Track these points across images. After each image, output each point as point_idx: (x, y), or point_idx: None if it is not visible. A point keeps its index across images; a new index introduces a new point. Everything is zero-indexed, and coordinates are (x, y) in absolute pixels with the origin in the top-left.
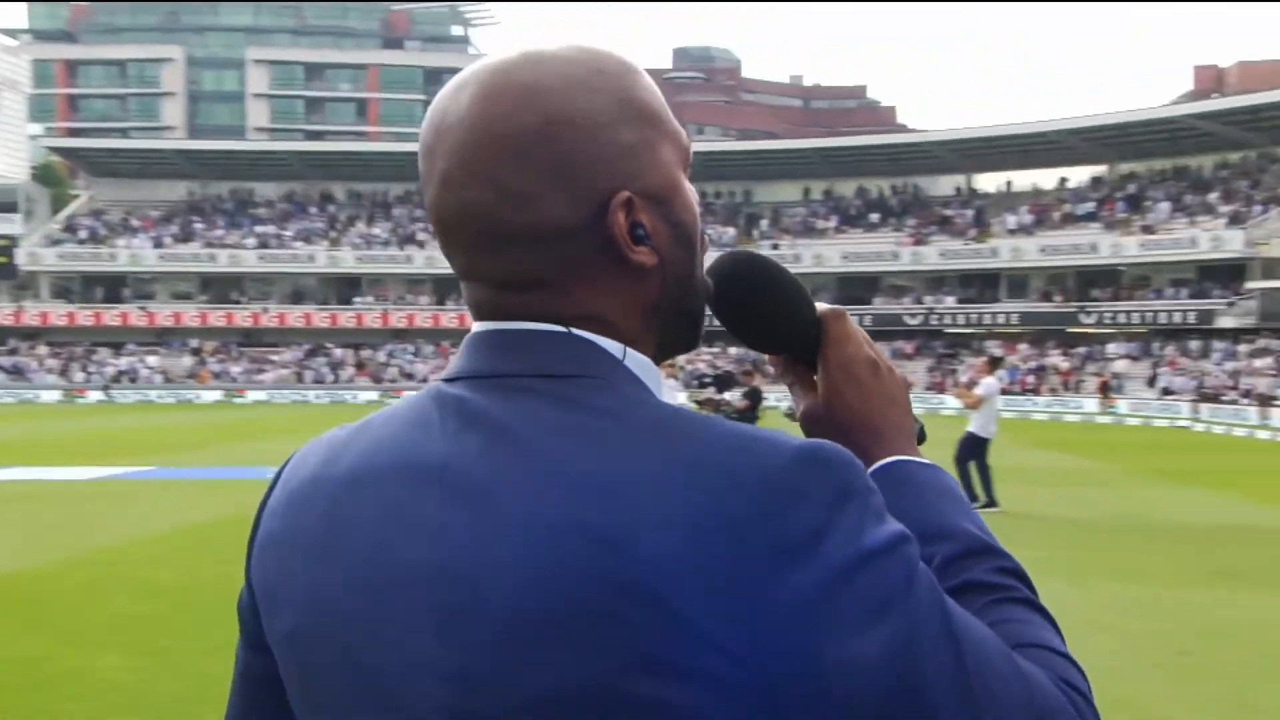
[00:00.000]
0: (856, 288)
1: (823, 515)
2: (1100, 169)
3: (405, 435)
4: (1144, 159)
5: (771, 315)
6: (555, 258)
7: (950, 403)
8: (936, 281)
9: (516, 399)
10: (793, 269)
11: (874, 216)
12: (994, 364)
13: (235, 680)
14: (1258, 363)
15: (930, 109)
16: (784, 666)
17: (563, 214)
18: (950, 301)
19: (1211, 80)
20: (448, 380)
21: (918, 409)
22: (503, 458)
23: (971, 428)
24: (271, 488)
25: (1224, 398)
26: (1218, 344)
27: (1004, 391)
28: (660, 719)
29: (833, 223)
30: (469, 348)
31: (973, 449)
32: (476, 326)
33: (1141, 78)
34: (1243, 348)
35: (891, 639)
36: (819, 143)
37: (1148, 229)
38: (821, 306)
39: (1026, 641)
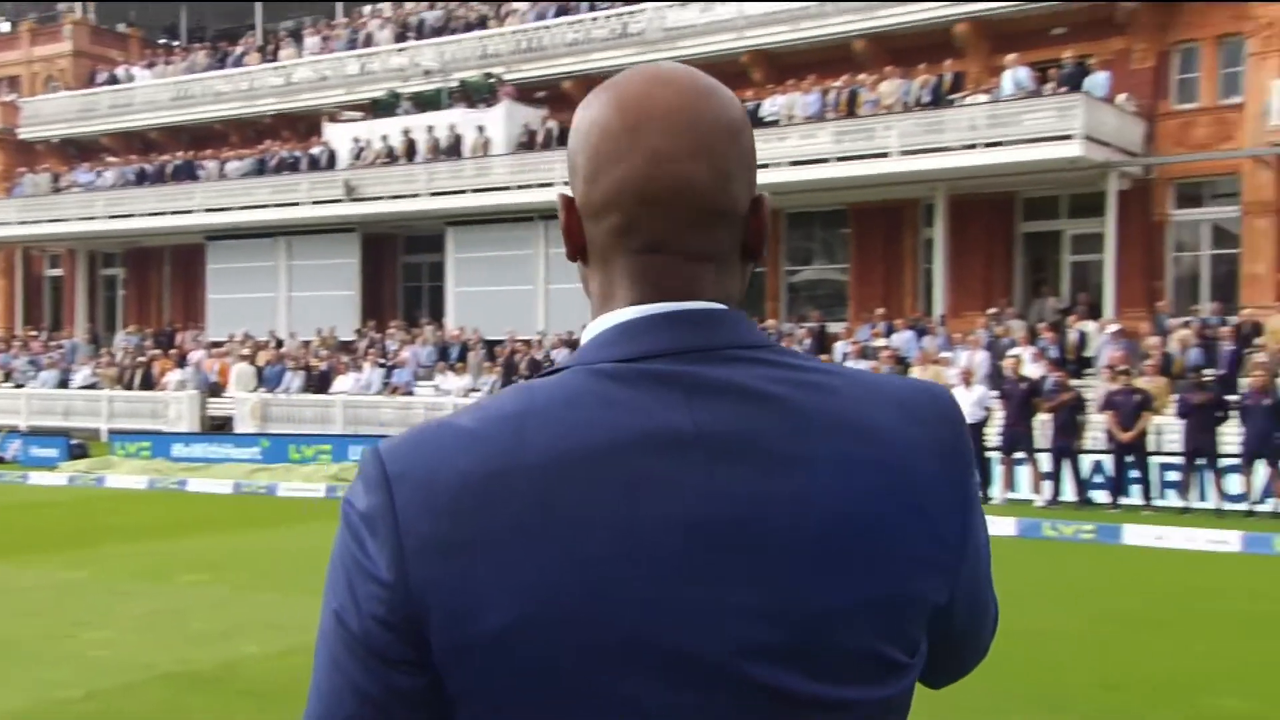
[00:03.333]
0: None
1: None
2: None
3: (607, 413)
4: None
5: None
6: (732, 237)
7: None
8: None
9: (739, 366)
10: None
11: None
12: None
13: (353, 707)
14: None
15: None
16: (966, 543)
17: (743, 199)
18: None
19: None
20: (632, 360)
21: None
22: (761, 415)
23: None
24: (389, 491)
25: None
26: None
27: None
28: (918, 609)
29: None
30: (657, 327)
31: None
32: (656, 307)
33: None
34: None
35: (983, 517)
36: None
37: None
38: None
39: None
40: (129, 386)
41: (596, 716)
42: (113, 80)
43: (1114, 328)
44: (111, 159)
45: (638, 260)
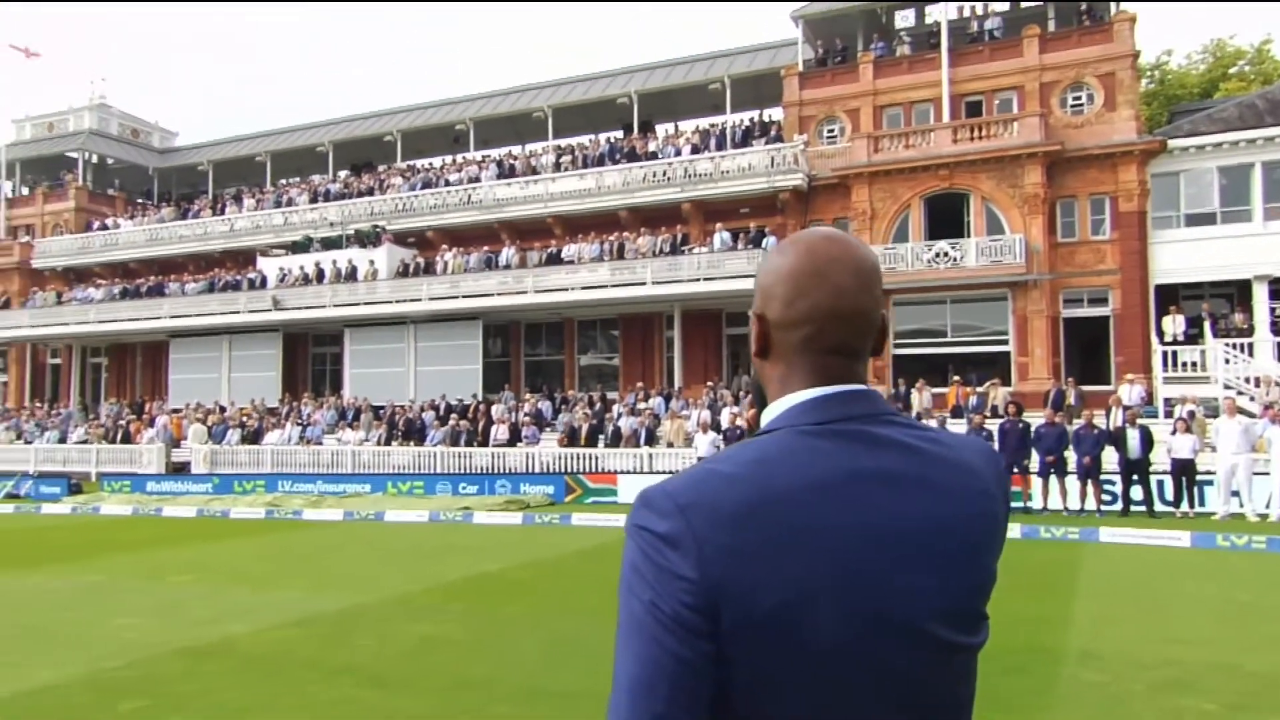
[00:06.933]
0: None
1: None
2: None
3: (820, 459)
4: None
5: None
6: (872, 341)
7: None
8: None
9: (892, 427)
10: None
11: None
12: None
13: (672, 667)
14: None
15: None
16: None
17: (881, 316)
18: None
19: None
20: (824, 423)
21: None
22: (916, 461)
23: None
24: (685, 517)
25: None
26: None
27: None
28: (993, 583)
29: None
30: (837, 401)
31: None
32: (834, 388)
33: None
34: None
35: None
36: None
37: None
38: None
39: None
40: (112, 441)
41: (834, 670)
42: (103, 227)
43: None
44: (101, 281)
45: (820, 358)
